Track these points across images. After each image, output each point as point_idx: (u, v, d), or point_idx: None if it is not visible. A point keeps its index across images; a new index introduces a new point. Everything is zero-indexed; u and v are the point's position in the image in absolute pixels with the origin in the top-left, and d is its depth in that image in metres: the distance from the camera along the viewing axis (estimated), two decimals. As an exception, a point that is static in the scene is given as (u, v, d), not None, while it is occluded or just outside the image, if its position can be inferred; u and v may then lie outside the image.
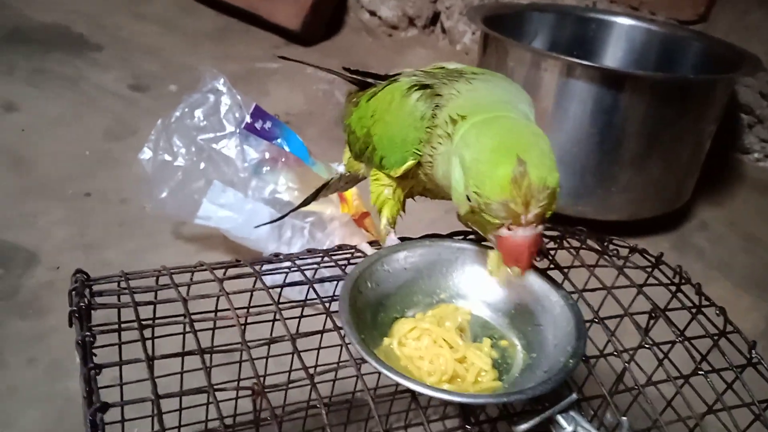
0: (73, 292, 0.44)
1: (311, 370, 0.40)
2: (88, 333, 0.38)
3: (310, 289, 0.49)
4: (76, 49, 1.58)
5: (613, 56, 1.42)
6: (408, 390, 0.40)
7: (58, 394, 0.78)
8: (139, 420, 0.54)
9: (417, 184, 0.51)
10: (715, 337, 0.53)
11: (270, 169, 0.97)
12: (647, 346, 0.50)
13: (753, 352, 0.52)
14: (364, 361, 0.39)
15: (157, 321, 0.44)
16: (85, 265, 0.49)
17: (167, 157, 0.94)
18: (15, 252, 0.99)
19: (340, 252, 0.55)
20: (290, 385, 0.39)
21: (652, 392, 0.50)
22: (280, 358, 0.57)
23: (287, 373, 0.56)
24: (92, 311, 0.41)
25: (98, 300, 0.44)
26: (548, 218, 0.40)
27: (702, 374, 0.51)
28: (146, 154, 0.95)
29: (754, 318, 1.13)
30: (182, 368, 0.51)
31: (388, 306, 0.45)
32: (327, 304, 0.47)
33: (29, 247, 1.00)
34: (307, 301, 0.50)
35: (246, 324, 0.48)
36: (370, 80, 0.57)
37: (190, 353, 0.39)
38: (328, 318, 0.44)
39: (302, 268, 0.50)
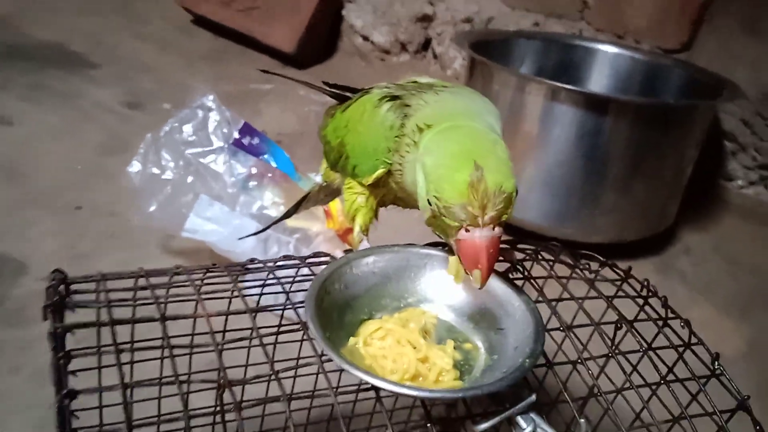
0: (50, 289, 0.45)
1: (278, 371, 0.41)
2: (59, 325, 0.39)
3: (287, 301, 0.50)
4: (73, 66, 1.61)
5: (598, 83, 1.45)
6: (371, 388, 0.41)
7: (41, 402, 0.78)
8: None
9: (388, 192, 0.53)
10: (680, 349, 0.55)
11: (257, 184, 0.99)
12: (612, 355, 0.51)
13: (716, 363, 0.54)
14: (329, 360, 0.41)
15: (133, 322, 0.45)
16: (73, 276, 0.50)
17: (155, 170, 0.96)
18: (4, 262, 1.00)
19: (316, 258, 0.56)
20: (253, 381, 0.40)
21: (620, 403, 0.51)
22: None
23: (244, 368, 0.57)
24: (66, 306, 0.42)
25: (75, 297, 0.45)
26: (506, 224, 0.42)
27: (664, 383, 0.52)
28: (135, 167, 0.97)
29: (736, 340, 1.14)
30: (160, 377, 0.52)
31: (355, 308, 0.47)
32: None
33: (19, 257, 1.01)
34: (285, 312, 0.51)
35: (224, 331, 0.50)
36: (347, 93, 0.59)
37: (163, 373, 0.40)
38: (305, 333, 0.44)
39: (280, 279, 0.51)
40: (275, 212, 1.03)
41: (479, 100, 0.51)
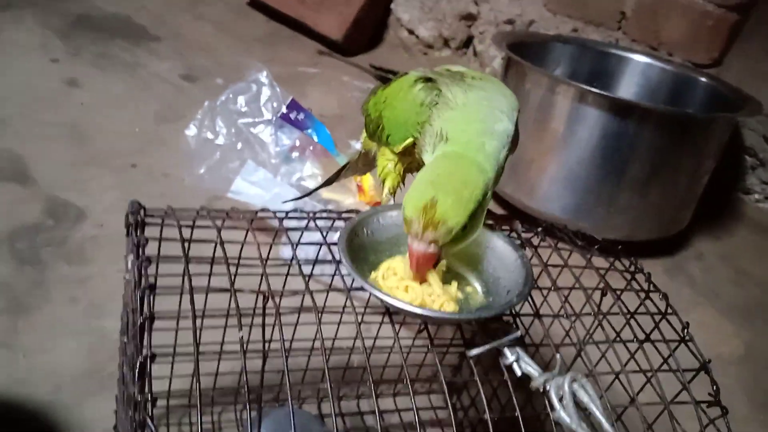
0: (130, 214, 0.56)
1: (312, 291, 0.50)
2: (143, 236, 0.49)
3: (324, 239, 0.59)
4: (137, 38, 1.72)
5: (627, 90, 1.52)
6: (385, 311, 0.51)
7: (93, 330, 0.89)
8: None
9: (413, 161, 0.62)
10: (657, 318, 0.63)
11: (299, 155, 1.09)
12: (594, 314, 0.60)
13: (686, 331, 0.61)
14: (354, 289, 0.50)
15: (193, 243, 0.54)
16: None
17: (209, 135, 1.07)
18: (66, 208, 1.12)
19: (348, 214, 0.64)
20: (291, 294, 0.50)
21: (596, 357, 0.59)
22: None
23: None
24: (146, 224, 0.52)
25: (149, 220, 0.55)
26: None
27: (639, 346, 0.60)
28: (192, 130, 1.08)
29: (735, 344, 1.20)
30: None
31: (378, 251, 0.56)
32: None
33: (80, 205, 1.13)
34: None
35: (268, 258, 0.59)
36: (390, 75, 0.69)
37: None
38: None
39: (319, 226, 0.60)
40: (312, 183, 1.12)
41: (502, 98, 0.57)
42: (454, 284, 0.54)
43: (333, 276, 0.54)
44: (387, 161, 0.63)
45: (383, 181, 0.64)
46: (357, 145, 0.72)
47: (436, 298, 0.51)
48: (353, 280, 0.50)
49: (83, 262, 1.01)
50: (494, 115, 0.55)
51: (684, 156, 1.23)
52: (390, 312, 0.50)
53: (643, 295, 0.64)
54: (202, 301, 0.49)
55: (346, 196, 1.14)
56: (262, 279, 0.50)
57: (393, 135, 0.60)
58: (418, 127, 0.57)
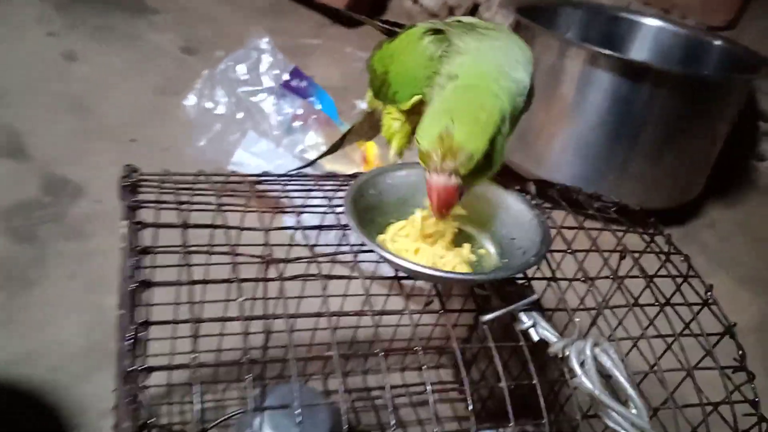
0: (124, 177, 0.53)
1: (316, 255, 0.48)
2: (135, 200, 0.47)
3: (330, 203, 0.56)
4: (135, 10, 1.69)
5: (639, 55, 1.47)
6: (394, 277, 0.48)
7: (93, 306, 0.86)
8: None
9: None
10: (679, 281, 0.60)
11: (302, 124, 1.06)
12: (612, 277, 0.57)
13: (709, 294, 0.58)
14: (362, 251, 0.47)
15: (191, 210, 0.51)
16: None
17: (209, 105, 1.03)
18: (64, 184, 1.09)
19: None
20: (294, 261, 0.47)
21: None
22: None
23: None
24: (140, 186, 0.49)
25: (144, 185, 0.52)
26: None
27: (661, 310, 0.57)
28: (191, 100, 1.04)
29: (751, 311, 1.17)
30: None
31: (386, 212, 0.53)
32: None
33: (77, 180, 1.10)
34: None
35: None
36: (396, 29, 0.65)
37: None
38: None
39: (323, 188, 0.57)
40: (316, 154, 1.09)
41: (518, 49, 0.54)
42: (466, 246, 0.51)
43: (339, 243, 0.51)
44: (393, 120, 0.60)
45: (389, 142, 0.61)
46: (363, 105, 0.68)
47: (448, 260, 0.49)
48: (360, 243, 0.47)
49: (82, 238, 0.99)
50: (510, 63, 0.52)
51: (698, 120, 1.19)
52: (399, 277, 0.47)
53: (663, 257, 0.61)
54: (202, 272, 0.47)
55: (349, 167, 1.11)
56: (263, 248, 0.47)
57: (400, 92, 0.57)
58: (426, 83, 0.53)
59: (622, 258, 0.60)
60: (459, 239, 0.53)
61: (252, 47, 1.04)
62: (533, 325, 0.48)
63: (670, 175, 1.24)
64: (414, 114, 0.58)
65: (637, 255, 0.59)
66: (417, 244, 0.49)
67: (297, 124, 1.06)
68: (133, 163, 1.21)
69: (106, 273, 0.91)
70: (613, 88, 1.16)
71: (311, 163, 0.97)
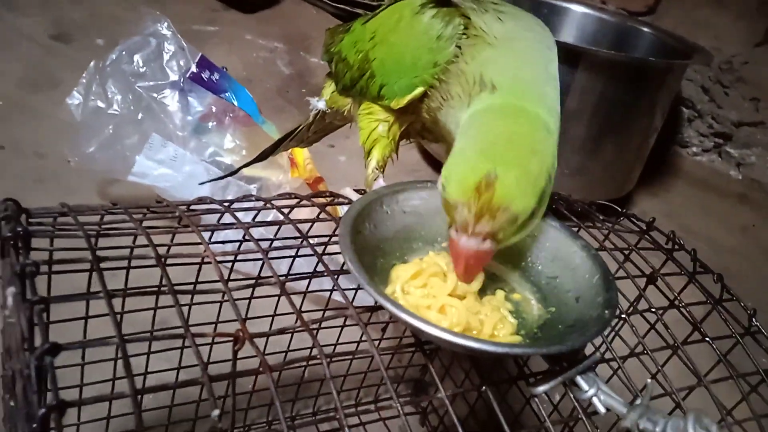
0: (5, 221, 0.36)
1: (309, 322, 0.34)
2: (29, 262, 0.30)
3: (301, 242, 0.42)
4: (-11, -11, 1.42)
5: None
6: (416, 345, 0.35)
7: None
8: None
9: (416, 120, 0.45)
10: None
11: (216, 124, 0.89)
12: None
13: (725, 287, 0.51)
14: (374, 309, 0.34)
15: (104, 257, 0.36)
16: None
17: (100, 104, 0.84)
18: None
19: (281, 201, 0.47)
20: (278, 333, 0.33)
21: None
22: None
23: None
24: (33, 236, 0.33)
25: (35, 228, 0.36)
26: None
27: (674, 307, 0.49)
28: (75, 99, 0.85)
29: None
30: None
31: (387, 252, 0.40)
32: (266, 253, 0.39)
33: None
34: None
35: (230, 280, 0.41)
36: (358, 10, 0.51)
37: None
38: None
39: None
40: (234, 158, 0.93)
41: (541, 30, 0.45)
42: (500, 293, 0.39)
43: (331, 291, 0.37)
44: (375, 123, 0.46)
45: (368, 152, 0.47)
46: (319, 104, 0.53)
47: (486, 317, 0.36)
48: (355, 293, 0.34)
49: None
50: (543, 53, 0.41)
51: (638, 108, 1.13)
52: (422, 345, 0.34)
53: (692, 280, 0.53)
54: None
55: (273, 172, 0.95)
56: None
57: (391, 84, 0.43)
58: (435, 71, 0.40)
59: (652, 283, 0.52)
60: (485, 282, 0.40)
61: (149, 33, 0.86)
62: (595, 394, 0.37)
63: (611, 167, 1.19)
64: (407, 113, 0.45)
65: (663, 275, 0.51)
66: (440, 300, 0.36)
67: (211, 124, 0.89)
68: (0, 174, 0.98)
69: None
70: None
71: (235, 172, 0.81)
